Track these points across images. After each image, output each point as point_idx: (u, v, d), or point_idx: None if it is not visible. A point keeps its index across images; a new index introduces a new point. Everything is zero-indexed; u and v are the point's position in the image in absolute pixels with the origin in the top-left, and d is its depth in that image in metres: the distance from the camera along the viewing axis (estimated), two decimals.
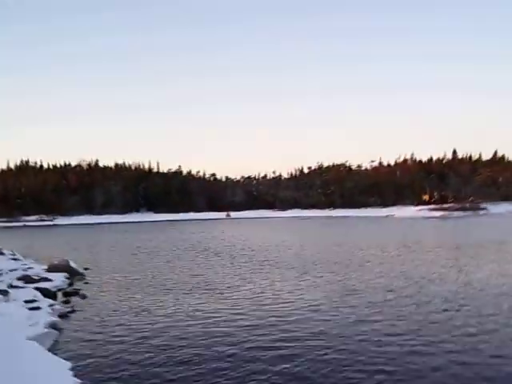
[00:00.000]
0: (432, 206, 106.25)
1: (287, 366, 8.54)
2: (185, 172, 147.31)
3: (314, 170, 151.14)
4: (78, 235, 57.91)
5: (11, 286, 15.83)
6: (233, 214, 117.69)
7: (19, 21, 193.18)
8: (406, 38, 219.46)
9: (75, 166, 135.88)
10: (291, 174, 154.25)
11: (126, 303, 14.42)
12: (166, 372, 8.42)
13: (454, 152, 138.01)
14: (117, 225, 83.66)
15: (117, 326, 11.77)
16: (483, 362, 8.48)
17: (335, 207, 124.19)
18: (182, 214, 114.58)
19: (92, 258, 27.22)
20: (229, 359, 8.96)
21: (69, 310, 13.66)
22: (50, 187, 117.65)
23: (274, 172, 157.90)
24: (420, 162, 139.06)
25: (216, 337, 10.45)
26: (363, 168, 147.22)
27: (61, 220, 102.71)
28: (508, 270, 19.01)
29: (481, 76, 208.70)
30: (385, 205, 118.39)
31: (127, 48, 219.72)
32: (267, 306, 13.40)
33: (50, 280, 17.65)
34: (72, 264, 21.14)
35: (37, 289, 15.51)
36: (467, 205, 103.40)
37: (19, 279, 17.37)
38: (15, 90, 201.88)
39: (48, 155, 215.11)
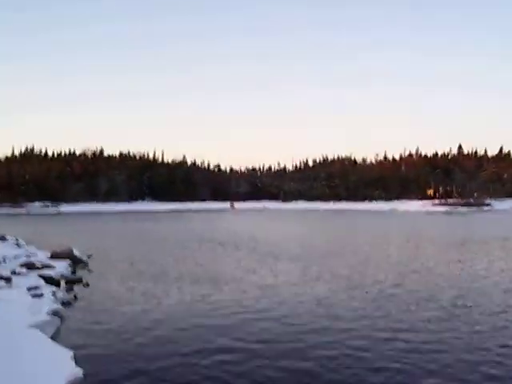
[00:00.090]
0: (436, 201, 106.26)
1: (292, 360, 8.42)
2: (189, 162, 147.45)
3: (319, 162, 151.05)
4: (81, 223, 57.97)
5: (14, 273, 15.78)
6: (237, 205, 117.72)
7: (20, 8, 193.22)
8: (414, 29, 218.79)
9: (80, 155, 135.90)
10: (296, 166, 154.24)
11: (130, 292, 14.36)
12: (169, 363, 8.33)
13: (460, 147, 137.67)
14: (121, 213, 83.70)
15: (120, 314, 11.69)
16: (491, 360, 8.32)
17: (339, 200, 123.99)
18: (186, 203, 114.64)
19: (96, 246, 27.15)
20: (233, 352, 8.84)
21: (72, 297, 13.59)
22: (54, 175, 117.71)
23: (278, 164, 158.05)
24: (425, 156, 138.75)
25: (220, 329, 10.34)
26: (368, 161, 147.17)
27: (65, 207, 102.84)
28: None
29: (488, 71, 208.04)
30: (389, 199, 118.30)
31: (128, 35, 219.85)
32: (272, 299, 13.27)
33: (53, 267, 17.58)
34: (75, 251, 21.07)
35: (40, 276, 15.45)
36: (472, 200, 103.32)
37: (22, 266, 17.31)
38: (17, 77, 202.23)
39: (52, 143, 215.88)
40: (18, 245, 25.16)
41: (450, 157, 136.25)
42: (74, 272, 18.00)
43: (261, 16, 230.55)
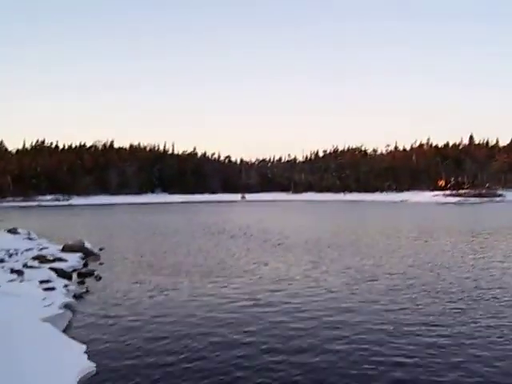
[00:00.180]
0: (448, 192, 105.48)
1: (306, 356, 8.31)
2: (199, 154, 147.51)
3: (329, 153, 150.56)
4: (92, 215, 58.18)
5: (26, 266, 15.84)
6: (247, 196, 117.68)
7: None
8: (424, 21, 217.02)
9: (90, 147, 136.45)
10: (306, 157, 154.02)
11: (141, 285, 14.32)
12: (180, 357, 8.28)
13: (471, 137, 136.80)
14: (132, 205, 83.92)
15: (131, 308, 11.66)
16: (503, 356, 8.21)
17: (350, 191, 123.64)
18: (196, 195, 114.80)
19: (107, 239, 27.23)
20: (245, 347, 8.75)
21: (83, 290, 13.60)
22: (65, 167, 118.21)
23: (288, 155, 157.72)
24: (436, 146, 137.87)
25: (233, 323, 10.24)
26: (379, 152, 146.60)
27: (76, 200, 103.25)
28: None
29: (500, 61, 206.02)
30: (400, 189, 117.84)
31: (139, 24, 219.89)
32: (284, 292, 13.18)
33: (64, 260, 17.64)
34: (87, 244, 21.13)
35: (52, 269, 15.49)
36: (483, 191, 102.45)
37: (34, 259, 17.38)
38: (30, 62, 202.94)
39: (63, 136, 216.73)
40: (29, 238, 25.31)
41: (461, 147, 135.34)
42: (85, 265, 18.03)
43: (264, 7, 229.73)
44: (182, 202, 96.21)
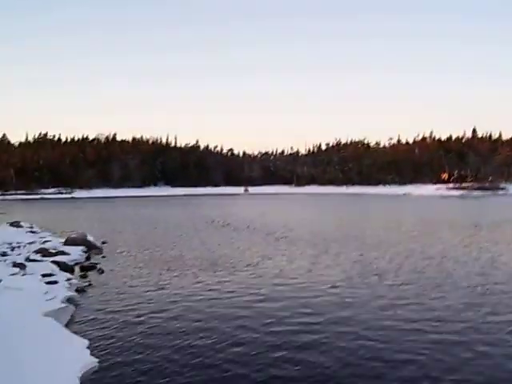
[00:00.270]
0: (451, 185, 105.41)
1: (310, 353, 8.16)
2: (202, 147, 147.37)
3: (332, 146, 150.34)
4: (95, 208, 58.09)
5: (29, 260, 15.77)
6: (250, 189, 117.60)
7: None
8: (425, 14, 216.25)
9: (93, 140, 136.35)
10: (309, 150, 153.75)
11: (145, 279, 14.23)
12: (183, 354, 8.17)
13: (474, 130, 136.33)
14: (134, 198, 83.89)
15: (134, 302, 11.54)
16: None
17: (352, 184, 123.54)
18: (199, 188, 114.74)
19: (109, 232, 27.15)
20: (249, 345, 8.58)
21: (86, 284, 13.51)
22: (67, 160, 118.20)
23: (291, 148, 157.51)
24: (439, 140, 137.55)
25: (236, 320, 10.06)
26: (381, 145, 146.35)
27: (78, 193, 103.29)
28: None
29: (502, 54, 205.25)
30: (402, 183, 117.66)
31: (142, 18, 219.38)
32: (288, 287, 13.06)
33: (67, 254, 17.56)
34: (89, 237, 21.06)
35: (54, 262, 15.41)
36: (486, 184, 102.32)
37: (37, 252, 17.30)
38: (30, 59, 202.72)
39: (66, 129, 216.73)
40: (32, 231, 25.28)
41: (464, 140, 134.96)
42: (88, 258, 17.95)
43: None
44: (185, 195, 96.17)
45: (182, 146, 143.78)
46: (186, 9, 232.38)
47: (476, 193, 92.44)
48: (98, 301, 11.73)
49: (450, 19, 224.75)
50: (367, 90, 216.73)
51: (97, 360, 7.62)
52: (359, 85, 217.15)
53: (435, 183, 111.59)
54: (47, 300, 10.69)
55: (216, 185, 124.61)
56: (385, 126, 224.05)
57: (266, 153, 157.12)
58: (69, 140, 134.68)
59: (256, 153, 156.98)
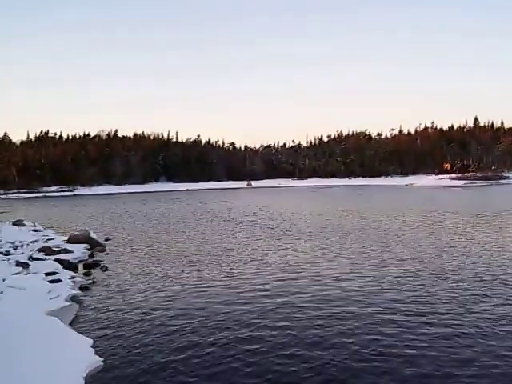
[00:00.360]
0: (453, 175, 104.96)
1: (315, 350, 8.08)
2: (204, 141, 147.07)
3: (334, 138, 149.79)
4: (98, 206, 57.96)
5: (32, 258, 15.72)
6: (253, 183, 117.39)
7: None
8: (425, 7, 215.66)
9: (94, 137, 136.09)
10: (311, 143, 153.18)
11: (148, 276, 14.16)
12: (187, 353, 8.10)
13: (476, 120, 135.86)
14: (136, 195, 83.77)
15: (138, 300, 11.48)
16: None
17: (355, 176, 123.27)
18: (201, 183, 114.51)
19: (112, 229, 27.10)
20: (254, 343, 8.51)
21: (90, 282, 13.46)
22: (69, 158, 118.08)
23: (293, 141, 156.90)
24: (441, 130, 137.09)
25: (241, 317, 9.95)
26: (383, 136, 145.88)
27: (81, 190, 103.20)
28: None
29: (503, 44, 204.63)
30: (405, 173, 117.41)
31: (145, 17, 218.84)
32: (293, 281, 12.98)
33: (70, 251, 17.51)
34: (93, 235, 21.00)
35: (57, 261, 15.36)
36: (489, 174, 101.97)
37: (40, 251, 17.26)
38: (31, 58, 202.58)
39: (67, 126, 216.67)
40: (35, 229, 25.21)
41: (466, 130, 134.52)
42: (91, 256, 17.89)
43: None
44: (187, 190, 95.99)
45: (184, 141, 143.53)
46: (186, 8, 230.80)
47: (479, 182, 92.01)
48: (101, 299, 11.67)
49: (450, 12, 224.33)
50: (368, 83, 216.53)
51: (101, 359, 7.56)
52: (360, 78, 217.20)
53: (438, 173, 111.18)
54: (51, 299, 10.65)
55: (218, 179, 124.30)
56: (386, 119, 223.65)
57: (268, 146, 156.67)
58: (70, 138, 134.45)
59: (258, 146, 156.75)
